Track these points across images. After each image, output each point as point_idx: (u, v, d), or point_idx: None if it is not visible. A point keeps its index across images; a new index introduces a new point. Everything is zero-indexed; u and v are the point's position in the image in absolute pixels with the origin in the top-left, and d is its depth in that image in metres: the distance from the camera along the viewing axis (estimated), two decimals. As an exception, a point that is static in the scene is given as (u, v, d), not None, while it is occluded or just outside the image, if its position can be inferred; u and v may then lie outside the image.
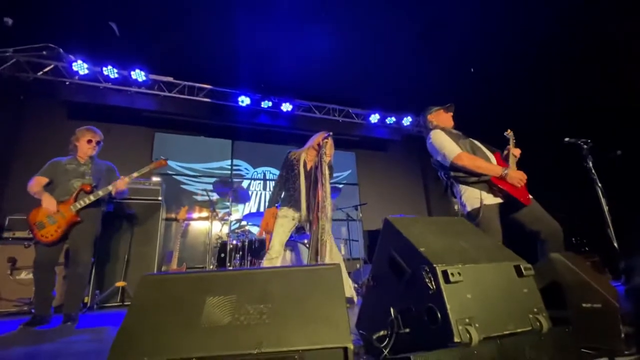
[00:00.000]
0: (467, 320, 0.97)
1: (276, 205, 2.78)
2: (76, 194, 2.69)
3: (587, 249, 4.77)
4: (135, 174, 2.93)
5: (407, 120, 6.66)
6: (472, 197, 2.19)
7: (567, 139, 2.75)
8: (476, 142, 2.39)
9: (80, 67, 4.68)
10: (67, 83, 4.76)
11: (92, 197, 2.71)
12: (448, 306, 0.97)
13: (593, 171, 2.64)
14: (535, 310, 1.08)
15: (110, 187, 2.78)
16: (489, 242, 1.33)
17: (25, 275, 3.37)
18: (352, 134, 6.52)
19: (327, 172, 2.57)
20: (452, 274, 1.01)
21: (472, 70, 5.22)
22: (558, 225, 2.14)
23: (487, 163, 2.19)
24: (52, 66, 4.66)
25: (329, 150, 2.69)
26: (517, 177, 2.12)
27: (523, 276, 1.13)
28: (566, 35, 4.41)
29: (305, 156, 2.84)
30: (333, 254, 2.51)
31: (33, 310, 3.17)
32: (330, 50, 4.84)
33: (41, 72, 4.63)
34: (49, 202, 2.59)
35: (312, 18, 4.37)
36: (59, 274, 2.88)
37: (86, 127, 2.96)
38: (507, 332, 1.02)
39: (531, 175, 2.24)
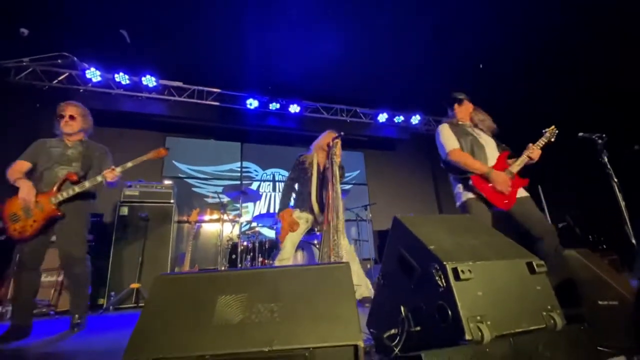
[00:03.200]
0: (478, 317, 0.96)
1: (289, 206, 2.80)
2: (60, 184, 2.32)
3: (604, 246, 4.66)
4: (129, 164, 2.52)
5: (415, 119, 6.61)
6: (460, 191, 2.34)
7: (581, 134, 2.69)
8: (482, 138, 2.42)
9: (93, 74, 4.80)
10: (81, 90, 4.89)
11: (76, 189, 2.32)
12: (459, 304, 0.97)
13: (608, 166, 2.57)
14: (548, 307, 1.07)
15: (99, 178, 2.38)
16: (500, 239, 1.31)
17: (45, 278, 3.46)
18: (360, 133, 6.51)
19: (337, 172, 2.58)
20: (462, 271, 1.00)
21: (480, 66, 5.16)
22: (551, 226, 2.18)
23: (474, 161, 2.25)
24: (66, 74, 4.80)
25: (339, 151, 2.70)
26: (499, 180, 2.17)
27: (535, 273, 1.11)
28: (580, 25, 4.31)
29: (317, 158, 2.85)
30: (349, 255, 2.52)
31: (52, 312, 3.27)
32: (337, 50, 4.85)
33: (56, 81, 4.77)
34: (26, 192, 2.21)
35: (319, 19, 4.39)
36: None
37: (65, 101, 2.62)
38: (520, 330, 1.01)
39: (546, 171, 2.22)
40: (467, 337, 0.93)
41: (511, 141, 2.51)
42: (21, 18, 3.98)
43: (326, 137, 2.86)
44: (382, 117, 6.44)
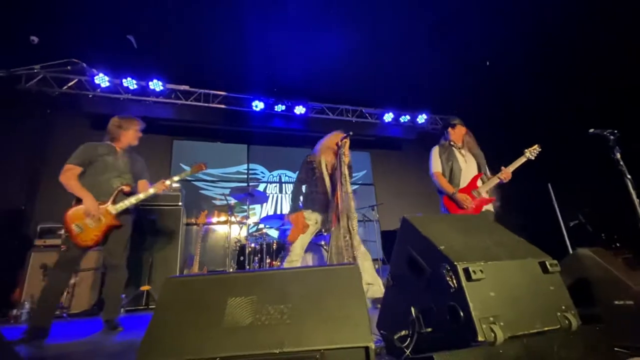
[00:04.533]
0: (491, 318, 0.95)
1: (300, 208, 2.78)
2: (115, 196, 2.49)
3: (617, 244, 4.56)
4: (176, 178, 2.75)
5: (421, 118, 6.57)
6: (441, 205, 2.88)
7: (592, 130, 2.65)
8: (465, 161, 2.87)
9: (102, 80, 4.87)
10: (90, 96, 4.97)
11: (133, 200, 2.52)
12: (471, 304, 0.95)
13: (621, 163, 2.52)
14: (563, 307, 1.05)
15: (151, 190, 2.60)
16: (512, 238, 1.30)
17: (57, 281, 3.53)
18: (366, 133, 6.48)
19: (347, 172, 2.57)
20: (473, 271, 0.99)
21: (487, 63, 5.10)
22: None
23: (446, 184, 2.80)
24: (75, 80, 4.88)
25: (347, 151, 2.69)
26: (461, 199, 2.69)
27: (549, 273, 1.10)
28: (593, 18, 4.23)
29: (325, 158, 2.84)
30: (361, 253, 2.52)
31: (65, 314, 3.31)
32: (342, 50, 4.84)
33: (66, 87, 4.85)
34: (91, 205, 2.34)
35: (323, 19, 4.39)
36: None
37: (128, 115, 2.84)
38: (534, 331, 0.99)
39: (556, 169, 2.20)
40: (480, 338, 0.91)
41: (518, 137, 2.51)
42: (31, 25, 4.06)
43: (334, 137, 2.85)
44: (388, 117, 6.41)
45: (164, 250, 4.07)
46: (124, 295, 3.73)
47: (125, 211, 2.54)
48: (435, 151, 3.00)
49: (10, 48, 3.94)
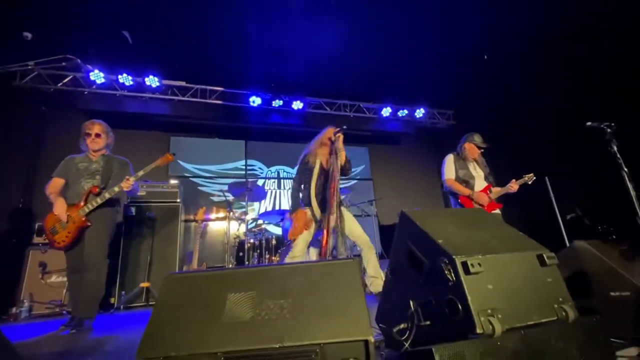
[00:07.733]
0: (489, 311, 0.96)
1: (301, 206, 2.77)
2: (85, 197, 2.59)
3: (614, 237, 4.59)
4: (140, 173, 2.71)
5: (419, 112, 6.55)
6: (453, 205, 3.30)
7: (589, 123, 2.65)
8: (476, 172, 3.25)
9: (97, 76, 4.83)
10: (86, 92, 4.92)
11: (98, 200, 2.59)
12: (469, 297, 0.96)
13: (618, 155, 2.53)
14: (560, 299, 1.06)
15: (116, 189, 2.62)
16: (510, 232, 1.30)
17: (56, 279, 3.53)
18: (364, 128, 6.47)
19: (338, 167, 2.56)
20: (472, 264, 1.00)
21: (485, 57, 5.09)
22: None
23: (461, 187, 3.19)
24: (70, 77, 4.83)
25: (341, 144, 2.67)
26: (479, 197, 3.11)
27: (546, 265, 1.10)
28: (589, 15, 4.22)
29: (319, 156, 2.83)
30: (366, 245, 2.62)
31: (65, 312, 3.35)
32: (339, 45, 4.81)
33: (61, 83, 4.80)
34: (59, 208, 2.53)
35: (320, 14, 4.35)
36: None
37: (90, 120, 2.84)
38: (531, 323, 1.00)
39: (553, 162, 2.19)
40: (478, 330, 0.92)
41: (516, 129, 2.50)
42: (25, 22, 4.01)
43: (326, 132, 2.84)
44: (386, 112, 6.39)
45: (163, 247, 4.08)
46: (123, 292, 3.75)
47: (98, 210, 2.61)
48: (450, 159, 3.33)
49: (4, 44, 3.89)
